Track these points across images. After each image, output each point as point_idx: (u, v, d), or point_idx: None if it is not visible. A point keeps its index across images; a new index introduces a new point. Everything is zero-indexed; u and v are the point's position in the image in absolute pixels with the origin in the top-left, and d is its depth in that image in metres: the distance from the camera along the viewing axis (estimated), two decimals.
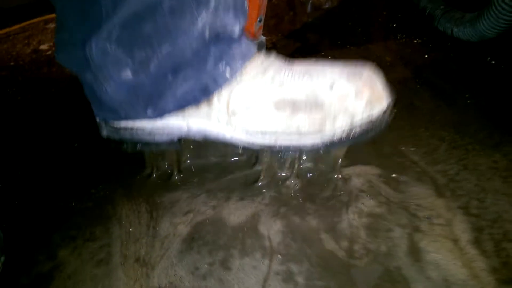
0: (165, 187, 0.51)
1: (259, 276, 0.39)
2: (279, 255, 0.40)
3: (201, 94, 0.43)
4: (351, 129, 0.42)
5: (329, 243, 0.41)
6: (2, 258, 0.43)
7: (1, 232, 0.45)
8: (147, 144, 0.48)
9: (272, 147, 0.44)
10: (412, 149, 0.51)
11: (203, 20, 0.38)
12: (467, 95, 0.59)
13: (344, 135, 0.42)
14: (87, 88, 0.46)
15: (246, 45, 0.44)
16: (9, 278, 0.43)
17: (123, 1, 0.36)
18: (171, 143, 0.48)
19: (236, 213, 0.45)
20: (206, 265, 0.40)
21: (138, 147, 0.49)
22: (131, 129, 0.47)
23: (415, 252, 0.39)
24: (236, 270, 0.40)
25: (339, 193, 0.46)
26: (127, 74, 0.41)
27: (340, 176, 0.48)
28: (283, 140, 0.44)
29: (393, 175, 0.47)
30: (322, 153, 0.49)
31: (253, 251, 0.41)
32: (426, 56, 0.72)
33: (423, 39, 0.77)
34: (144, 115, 0.45)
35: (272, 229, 0.43)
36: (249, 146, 0.45)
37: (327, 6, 1.02)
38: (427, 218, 0.41)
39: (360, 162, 0.50)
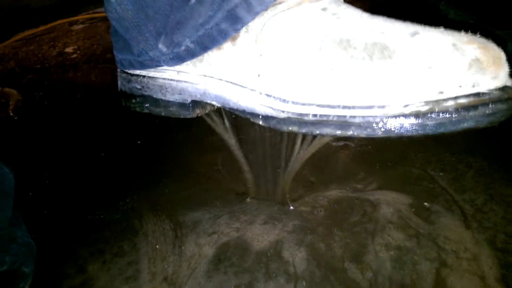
0: (187, 205, 0.52)
1: None
2: (303, 282, 0.41)
3: (228, 23, 0.32)
4: (437, 103, 0.27)
5: (354, 273, 0.41)
6: (33, 270, 0.45)
7: (34, 244, 0.47)
8: (156, 102, 0.41)
9: (304, 117, 0.31)
10: (441, 173, 0.50)
11: None
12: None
13: (422, 111, 0.27)
14: (108, 13, 0.39)
15: None
16: None
17: None
18: (182, 105, 0.40)
19: (259, 238, 0.46)
20: (233, 287, 0.41)
21: (146, 106, 0.42)
22: (144, 77, 0.40)
23: (441, 287, 0.39)
24: None
25: (366, 220, 0.46)
26: None
27: (368, 200, 0.48)
28: (321, 108, 0.30)
29: (425, 204, 0.47)
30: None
31: (278, 276, 0.42)
32: None
33: None
34: (155, 49, 0.36)
35: (297, 255, 0.43)
36: (274, 115, 0.33)
37: None
38: (454, 251, 0.41)
39: (390, 187, 0.49)
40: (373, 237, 0.44)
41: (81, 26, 1.11)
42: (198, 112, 0.41)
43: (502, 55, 0.28)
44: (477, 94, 0.27)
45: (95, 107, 0.76)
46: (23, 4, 1.05)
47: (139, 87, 0.41)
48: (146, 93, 0.41)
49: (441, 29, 0.30)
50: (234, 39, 0.33)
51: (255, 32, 0.32)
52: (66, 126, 0.72)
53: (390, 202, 0.47)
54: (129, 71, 0.42)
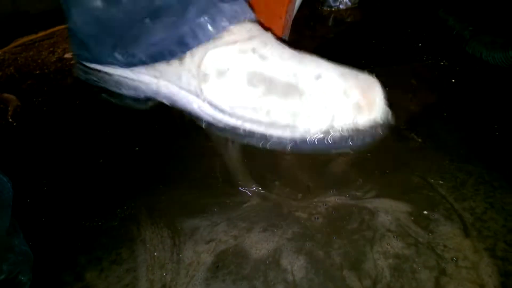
0: (185, 212, 0.51)
1: None
2: None
3: (176, 46, 0.38)
4: (328, 131, 0.36)
5: (352, 281, 0.41)
6: (30, 278, 0.45)
7: (31, 252, 0.46)
8: (112, 94, 0.45)
9: (237, 129, 0.40)
10: (440, 182, 0.50)
11: None
12: (495, 126, 0.58)
13: (318, 136, 0.37)
14: (66, 14, 0.43)
15: (240, 6, 0.39)
16: None
17: None
18: (136, 99, 0.45)
19: (257, 245, 0.46)
20: None
21: (103, 96, 0.46)
22: (99, 71, 0.44)
23: None
24: None
25: (365, 228, 0.46)
26: (96, 2, 0.37)
27: (366, 208, 0.48)
28: (249, 123, 0.39)
29: (425, 212, 0.46)
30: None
31: (276, 284, 0.42)
32: (453, 80, 0.71)
33: (450, 61, 0.76)
34: (112, 58, 0.41)
35: (295, 263, 0.43)
36: (214, 122, 0.41)
37: (349, 20, 1.01)
38: (454, 260, 0.41)
39: (388, 195, 0.49)
40: (372, 245, 0.44)
41: None
42: (150, 104, 0.45)
43: (379, 97, 0.37)
44: (357, 128, 0.37)
45: (94, 114, 0.76)
46: (22, 10, 1.06)
47: (95, 79, 0.45)
48: (101, 85, 0.45)
49: (339, 70, 0.38)
50: (181, 59, 0.39)
51: (199, 58, 0.38)
52: (64, 132, 0.72)
53: (389, 210, 0.47)
54: (86, 64, 0.44)
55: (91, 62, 0.44)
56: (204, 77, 0.38)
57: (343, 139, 0.37)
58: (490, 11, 0.72)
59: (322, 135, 0.37)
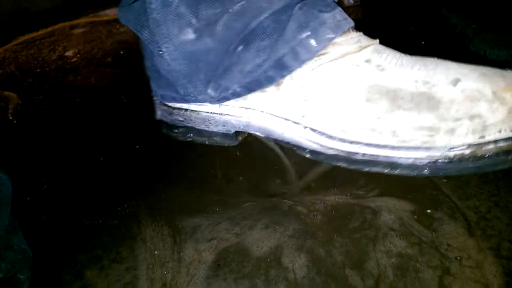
0: (186, 211, 0.51)
1: None
2: None
3: (275, 71, 0.34)
4: (479, 147, 0.30)
5: (354, 280, 0.40)
6: (30, 277, 0.44)
7: (30, 251, 0.46)
8: (199, 133, 0.42)
9: (352, 156, 0.34)
10: (444, 180, 0.50)
11: None
12: None
13: (466, 154, 0.30)
14: (147, 55, 0.40)
15: (341, 14, 0.35)
16: None
17: None
18: (226, 135, 0.41)
19: (259, 243, 0.45)
20: None
21: (189, 136, 0.43)
22: (186, 110, 0.41)
23: None
24: None
25: (367, 226, 0.45)
26: (189, 34, 0.33)
27: (369, 207, 0.47)
28: (369, 148, 0.33)
29: (428, 211, 0.46)
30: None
31: (278, 282, 0.41)
32: None
33: (454, 59, 0.75)
34: (204, 94, 0.38)
35: (297, 262, 0.43)
36: (321, 150, 0.35)
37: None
38: (457, 259, 0.40)
39: (391, 193, 0.49)
40: (375, 244, 0.43)
41: (81, 30, 1.11)
42: (240, 139, 0.42)
43: None
44: None
45: (95, 111, 0.76)
46: (23, 7, 1.05)
47: (181, 119, 0.42)
48: (189, 125, 0.42)
49: (479, 71, 0.31)
50: (278, 84, 0.35)
51: (300, 80, 0.33)
52: (65, 130, 0.72)
53: (392, 209, 0.47)
54: (170, 104, 0.42)
55: (177, 102, 0.41)
56: (307, 101, 0.34)
57: (498, 155, 0.30)
58: (494, 8, 0.72)
59: (470, 151, 0.30)
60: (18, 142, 0.71)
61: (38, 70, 0.94)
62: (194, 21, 0.33)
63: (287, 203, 0.50)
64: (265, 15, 0.32)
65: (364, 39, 0.35)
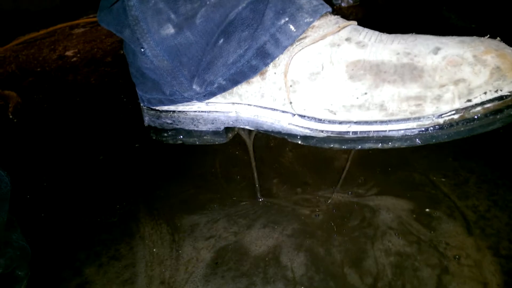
0: (184, 209, 0.51)
1: None
2: (302, 287, 0.40)
3: (257, 59, 0.34)
4: (466, 110, 0.29)
5: (353, 278, 0.40)
6: (28, 273, 0.44)
7: (29, 247, 0.46)
8: (189, 134, 0.42)
9: (344, 135, 0.33)
10: (443, 179, 0.50)
11: None
12: None
13: (455, 119, 0.30)
14: (130, 60, 0.40)
15: (316, 0, 0.35)
16: None
17: None
18: (216, 133, 0.41)
19: (257, 242, 0.45)
20: None
21: (179, 138, 0.43)
22: (174, 112, 0.41)
23: None
24: None
25: (366, 225, 0.45)
26: (169, 29, 0.34)
27: (368, 205, 0.47)
28: (359, 126, 0.33)
29: (427, 210, 0.46)
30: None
31: (276, 281, 0.41)
32: None
33: None
34: (190, 91, 0.38)
35: (295, 260, 0.43)
36: (313, 134, 0.35)
37: (350, 17, 1.01)
38: (456, 258, 0.40)
39: (390, 192, 0.49)
40: (373, 242, 0.43)
41: (81, 30, 1.12)
42: (230, 136, 0.41)
43: None
44: (501, 98, 0.30)
45: (94, 111, 0.76)
46: (23, 8, 1.06)
47: (169, 121, 0.41)
48: (177, 126, 0.41)
49: (457, 39, 0.32)
50: (262, 73, 0.35)
51: (284, 65, 0.33)
52: (64, 129, 0.72)
53: (391, 208, 0.46)
54: (157, 108, 0.41)
55: (164, 104, 0.41)
56: (293, 86, 0.34)
57: (487, 117, 0.30)
58: (492, 8, 0.72)
59: (458, 116, 0.30)
60: (18, 140, 0.71)
61: (38, 70, 0.94)
62: (173, 16, 0.33)
63: (285, 202, 0.50)
64: (243, 5, 0.32)
65: (342, 21, 0.35)
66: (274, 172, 0.54)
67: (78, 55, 0.98)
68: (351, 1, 1.03)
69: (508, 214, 0.44)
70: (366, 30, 0.35)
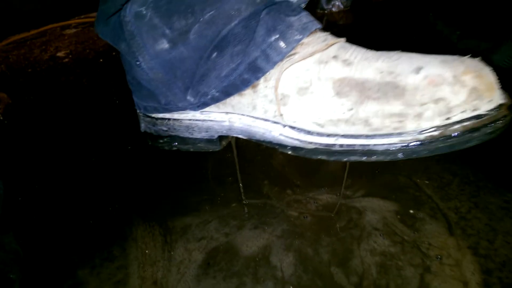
0: (176, 210, 0.52)
1: None
2: (291, 286, 0.41)
3: (249, 73, 0.35)
4: (446, 127, 0.32)
5: (340, 277, 0.42)
6: (20, 276, 0.45)
7: (21, 250, 0.46)
8: (184, 141, 0.43)
9: (331, 147, 0.36)
10: (426, 182, 0.51)
11: None
12: None
13: (435, 136, 0.32)
14: (127, 68, 0.42)
15: (308, 17, 0.36)
16: None
17: None
18: (210, 141, 0.43)
19: (248, 243, 0.46)
20: None
21: (174, 145, 0.44)
22: (169, 119, 0.42)
23: None
24: None
25: (352, 226, 0.47)
26: (163, 44, 0.35)
27: (354, 207, 0.49)
28: (345, 138, 0.35)
29: (411, 211, 0.48)
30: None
31: (265, 280, 0.42)
32: None
33: None
34: (184, 101, 0.39)
35: (285, 260, 0.44)
36: (302, 145, 0.37)
37: (341, 22, 1.03)
38: (438, 257, 0.42)
39: (376, 194, 0.50)
40: (359, 243, 0.45)
41: (73, 30, 1.11)
42: (224, 143, 0.43)
43: (494, 79, 0.32)
44: (478, 117, 0.32)
45: (86, 112, 0.76)
46: (14, 7, 1.05)
47: (165, 129, 0.43)
48: (173, 133, 0.43)
49: (439, 58, 0.33)
50: (254, 86, 0.37)
51: (275, 80, 0.35)
52: (56, 130, 0.72)
53: (376, 209, 0.48)
54: (153, 115, 0.43)
55: (160, 112, 0.42)
56: (283, 100, 0.36)
57: (465, 134, 0.32)
58: (477, 16, 0.74)
59: (438, 132, 0.32)
60: (8, 142, 0.71)
61: (29, 70, 0.94)
62: (167, 31, 0.35)
63: (276, 203, 0.51)
64: (235, 22, 0.34)
65: (330, 38, 0.37)
66: (265, 174, 0.56)
67: (70, 56, 0.98)
68: (342, 6, 1.05)
69: (488, 216, 0.46)
70: (353, 47, 0.36)
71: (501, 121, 0.32)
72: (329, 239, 0.46)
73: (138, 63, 0.37)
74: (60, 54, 0.99)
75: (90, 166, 0.62)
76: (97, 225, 0.52)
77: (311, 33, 0.36)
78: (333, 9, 1.05)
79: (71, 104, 0.79)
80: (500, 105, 0.32)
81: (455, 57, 0.34)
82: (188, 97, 0.39)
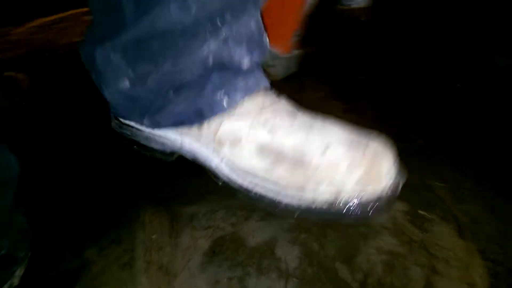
0: (184, 199, 0.53)
1: None
2: (294, 279, 0.41)
3: (195, 117, 0.43)
4: (333, 203, 0.39)
5: (344, 273, 0.41)
6: (29, 254, 0.46)
7: (30, 229, 0.47)
8: (143, 147, 0.50)
9: (249, 191, 0.43)
10: (439, 184, 0.51)
11: (209, 47, 0.38)
12: (495, 131, 0.58)
13: (324, 207, 0.39)
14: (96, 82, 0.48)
15: (255, 78, 0.43)
16: (38, 272, 0.45)
17: (146, 16, 0.36)
18: (164, 153, 0.49)
19: (254, 234, 0.47)
20: (225, 279, 0.42)
21: (135, 147, 0.50)
22: (132, 127, 0.48)
23: None
24: (252, 287, 0.41)
25: (360, 224, 0.46)
26: (125, 84, 0.41)
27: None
28: (261, 188, 0.42)
29: (420, 212, 0.47)
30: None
31: (269, 271, 0.42)
32: (458, 85, 0.71)
33: (455, 63, 0.76)
34: (141, 123, 0.46)
35: (290, 253, 0.44)
36: (229, 182, 0.45)
37: (361, 18, 1.01)
38: (446, 259, 0.41)
39: None
40: (366, 240, 0.44)
41: None
42: (176, 156, 0.50)
43: (384, 171, 0.39)
44: (364, 202, 0.39)
45: (102, 96, 0.77)
46: None
47: (128, 133, 0.49)
48: (134, 139, 0.49)
49: (349, 138, 0.40)
50: (199, 126, 0.44)
51: (215, 127, 0.43)
52: (72, 113, 0.74)
53: None
54: (121, 120, 0.49)
55: (125, 119, 0.48)
56: (219, 144, 0.43)
57: (348, 211, 0.39)
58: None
59: (328, 206, 0.39)
60: (26, 123, 0.73)
61: (49, 55, 0.95)
62: (130, 72, 0.40)
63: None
64: (188, 77, 0.40)
65: (267, 101, 0.43)
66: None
67: None
68: (362, 3, 1.03)
69: (499, 220, 0.45)
70: (285, 114, 0.42)
71: (381, 208, 0.39)
72: (336, 234, 0.45)
73: (103, 91, 0.44)
74: (78, 39, 1.01)
75: (103, 150, 0.63)
76: (106, 208, 0.53)
77: (253, 94, 0.42)
78: (354, 5, 1.03)
79: (89, 89, 0.80)
80: (383, 196, 0.39)
81: (363, 138, 0.40)
82: (145, 121, 0.45)
